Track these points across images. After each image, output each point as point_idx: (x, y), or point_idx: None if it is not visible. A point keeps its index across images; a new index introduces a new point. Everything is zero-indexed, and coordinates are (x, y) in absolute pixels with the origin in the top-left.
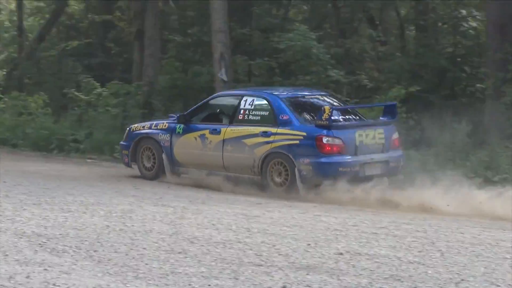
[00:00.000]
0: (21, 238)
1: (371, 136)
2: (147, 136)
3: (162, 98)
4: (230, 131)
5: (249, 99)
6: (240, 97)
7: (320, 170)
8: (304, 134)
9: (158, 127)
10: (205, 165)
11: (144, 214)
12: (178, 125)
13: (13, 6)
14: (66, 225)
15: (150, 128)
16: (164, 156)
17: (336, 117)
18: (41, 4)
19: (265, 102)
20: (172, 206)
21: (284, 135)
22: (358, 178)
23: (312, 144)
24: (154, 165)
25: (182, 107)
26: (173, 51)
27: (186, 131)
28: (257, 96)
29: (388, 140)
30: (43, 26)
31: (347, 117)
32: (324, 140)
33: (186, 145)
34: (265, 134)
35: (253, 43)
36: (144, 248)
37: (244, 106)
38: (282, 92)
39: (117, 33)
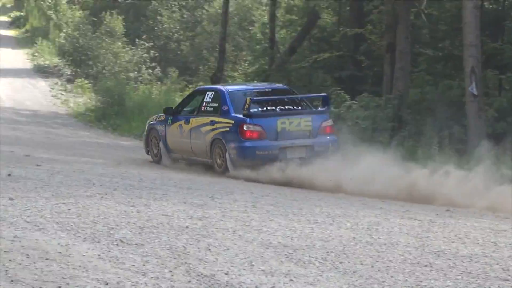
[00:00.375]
0: (267, 248)
1: (296, 123)
2: (153, 127)
3: (412, 112)
4: (195, 121)
5: (210, 93)
6: (206, 91)
7: (241, 153)
8: (233, 122)
9: (159, 119)
10: (183, 151)
11: (390, 227)
12: (169, 117)
13: (265, 18)
14: (313, 236)
15: (155, 120)
16: (161, 144)
17: (269, 108)
18: (294, 17)
19: (216, 95)
20: (419, 219)
21: (222, 123)
22: (279, 160)
23: (236, 131)
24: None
25: (431, 121)
26: (424, 64)
27: (173, 121)
28: (214, 90)
29: (316, 127)
30: (294, 39)
31: (287, 107)
32: (245, 127)
33: (173, 134)
34: (212, 122)
35: (505, 57)
36: (390, 261)
37: (206, 99)
38: (236, 86)
39: (368, 46)
